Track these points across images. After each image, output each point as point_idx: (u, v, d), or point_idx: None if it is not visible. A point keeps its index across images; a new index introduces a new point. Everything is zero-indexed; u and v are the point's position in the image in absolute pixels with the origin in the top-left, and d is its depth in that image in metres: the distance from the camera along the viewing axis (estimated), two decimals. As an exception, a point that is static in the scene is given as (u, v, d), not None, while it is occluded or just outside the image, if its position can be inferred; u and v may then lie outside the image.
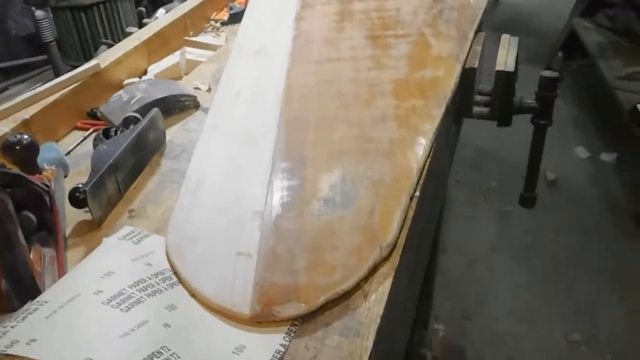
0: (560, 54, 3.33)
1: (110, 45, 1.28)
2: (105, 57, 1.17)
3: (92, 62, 1.12)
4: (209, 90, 1.04)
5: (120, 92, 0.95)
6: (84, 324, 0.51)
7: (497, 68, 1.05)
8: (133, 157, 0.79)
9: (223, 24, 1.49)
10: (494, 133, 2.67)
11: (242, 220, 0.69)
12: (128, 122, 0.86)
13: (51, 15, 1.64)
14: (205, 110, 0.96)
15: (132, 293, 0.56)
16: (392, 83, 0.95)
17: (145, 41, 1.26)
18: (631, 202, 2.51)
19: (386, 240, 0.64)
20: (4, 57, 2.68)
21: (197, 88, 1.04)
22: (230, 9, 1.54)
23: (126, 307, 0.53)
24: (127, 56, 1.21)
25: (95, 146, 0.80)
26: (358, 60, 1.04)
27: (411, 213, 0.70)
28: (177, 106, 0.95)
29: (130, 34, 1.36)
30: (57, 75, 1.72)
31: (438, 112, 0.87)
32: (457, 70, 0.99)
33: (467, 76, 1.05)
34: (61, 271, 0.65)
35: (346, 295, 0.59)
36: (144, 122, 0.82)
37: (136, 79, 1.19)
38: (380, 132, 0.83)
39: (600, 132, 2.96)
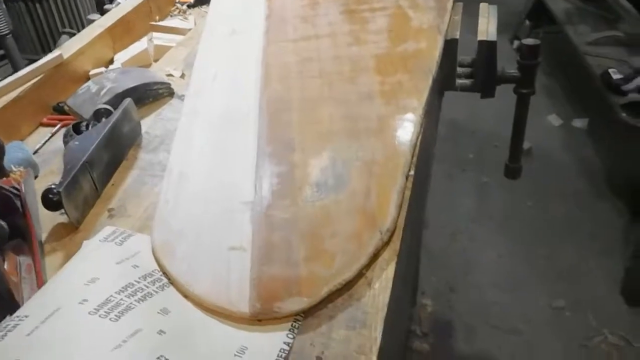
0: (527, 22, 3.34)
1: (71, 35, 1.21)
2: (68, 48, 1.10)
3: (55, 53, 1.05)
4: (182, 76, 0.99)
5: (89, 83, 0.89)
6: (70, 339, 0.46)
7: (479, 37, 1.03)
8: (108, 152, 0.73)
9: (190, 6, 1.42)
10: (465, 105, 2.69)
11: (232, 211, 0.65)
12: (99, 115, 0.80)
13: (4, 7, 1.54)
14: (181, 98, 0.91)
15: (121, 300, 0.51)
16: (374, 58, 0.92)
17: (109, 28, 1.19)
18: (604, 165, 2.55)
19: (386, 224, 0.61)
20: None
21: (169, 75, 0.99)
22: (195, -9, 1.46)
23: (115, 315, 0.49)
24: (90, 45, 1.14)
25: (65, 143, 0.75)
26: (337, 36, 1.00)
27: (408, 193, 0.67)
28: (150, 95, 0.90)
29: (92, 21, 1.28)
30: (15, 69, 1.62)
31: (425, 86, 0.84)
32: (439, 42, 0.96)
33: (449, 48, 1.02)
34: (40, 280, 0.60)
35: (349, 285, 0.56)
36: (116, 114, 0.76)
37: (102, 69, 1.12)
38: (367, 109, 0.80)
39: (570, 99, 2.99)
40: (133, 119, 0.80)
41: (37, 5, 2.08)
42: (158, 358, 0.46)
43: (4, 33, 1.55)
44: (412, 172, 0.70)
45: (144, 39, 1.20)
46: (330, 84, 0.86)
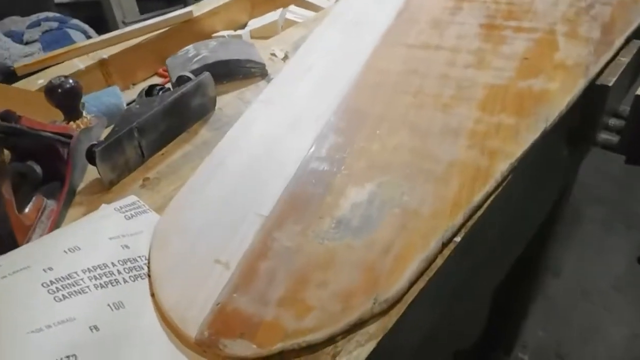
0: None
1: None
2: (202, 5, 1.13)
3: (186, 9, 1.09)
4: (284, 58, 0.95)
5: (190, 46, 0.89)
6: (9, 305, 0.47)
7: (638, 92, 0.81)
8: (166, 121, 0.73)
9: (340, -17, 1.36)
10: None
11: (242, 221, 0.60)
12: (181, 81, 0.80)
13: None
14: (270, 81, 0.87)
15: (81, 279, 0.50)
16: (487, 88, 0.77)
17: (250, -7, 1.20)
18: None
19: (385, 294, 0.51)
20: None
21: (273, 54, 0.95)
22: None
23: (63, 295, 0.48)
24: (225, 7, 1.16)
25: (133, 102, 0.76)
26: (459, 52, 0.87)
27: (439, 262, 0.56)
28: (241, 72, 0.87)
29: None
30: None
31: (529, 137, 0.68)
32: (578, 85, 0.77)
33: (596, 95, 0.82)
34: (51, 227, 0.62)
35: (312, 349, 0.49)
36: (187, 86, 0.75)
37: (230, 32, 1.13)
38: (443, 148, 0.68)
39: None
40: (207, 93, 0.79)
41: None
42: (67, 357, 0.44)
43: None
44: (457, 239, 0.58)
45: (279, 11, 1.19)
46: (420, 106, 0.75)
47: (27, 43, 2.18)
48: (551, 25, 0.91)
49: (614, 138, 0.88)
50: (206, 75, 0.78)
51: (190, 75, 0.80)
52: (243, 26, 1.19)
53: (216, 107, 0.82)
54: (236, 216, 0.61)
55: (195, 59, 0.85)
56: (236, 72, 0.87)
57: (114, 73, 0.99)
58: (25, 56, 2.07)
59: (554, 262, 2.07)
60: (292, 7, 1.19)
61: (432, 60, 0.85)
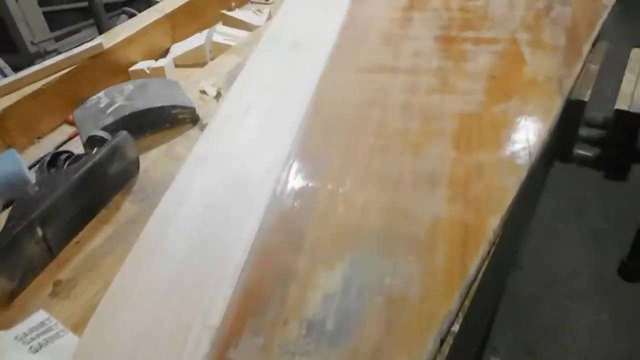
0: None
1: (131, 15, 1.07)
2: (114, 34, 0.97)
3: (95, 42, 0.92)
4: (217, 96, 0.81)
5: (101, 93, 0.74)
6: None
7: (617, 105, 0.73)
8: (77, 201, 0.58)
9: (271, -6, 1.23)
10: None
11: (185, 338, 0.47)
12: (93, 142, 0.65)
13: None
14: (204, 128, 0.73)
15: None
16: (456, 118, 0.67)
17: (170, 14, 1.04)
18: None
19: None
20: None
21: (203, 92, 0.81)
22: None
23: None
24: (142, 34, 1.00)
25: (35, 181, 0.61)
26: (419, 73, 0.76)
27: (440, 363, 0.45)
28: (167, 120, 0.73)
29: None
30: (100, 31, 1.56)
31: (515, 181, 0.59)
32: (556, 105, 0.68)
33: (572, 111, 0.74)
34: None
35: None
36: (101, 152, 0.61)
37: (150, 62, 0.98)
38: (422, 202, 0.57)
39: None
40: (126, 156, 0.64)
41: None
42: None
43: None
44: (455, 328, 0.47)
45: (205, 32, 1.04)
46: (386, 148, 0.64)
47: None
48: (512, 33, 0.82)
49: (590, 153, 0.81)
50: (123, 135, 0.64)
51: (104, 135, 0.65)
52: (165, 53, 1.04)
53: (140, 170, 0.67)
54: (178, 330, 0.47)
55: (109, 110, 0.70)
56: (161, 121, 0.72)
57: (12, 129, 0.82)
58: None
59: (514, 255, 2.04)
60: (219, 27, 1.04)
61: (390, 86, 0.74)
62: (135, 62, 0.99)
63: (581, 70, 0.76)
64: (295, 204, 0.58)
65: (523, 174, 0.59)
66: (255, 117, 0.71)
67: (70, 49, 0.91)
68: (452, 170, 0.60)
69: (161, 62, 0.97)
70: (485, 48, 0.79)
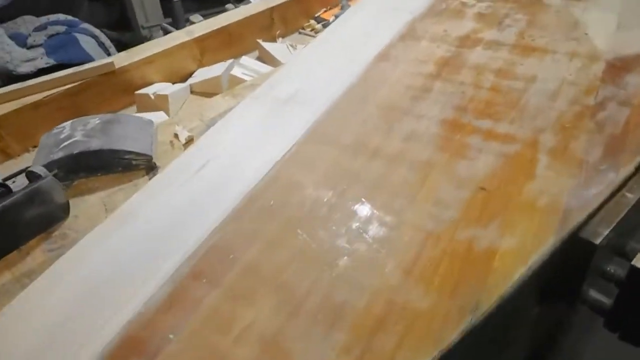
0: None
1: (166, 32, 1.06)
2: (137, 52, 0.96)
3: (108, 60, 0.92)
4: (187, 143, 0.75)
5: (67, 123, 0.72)
6: None
7: (636, 261, 0.56)
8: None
9: (325, 26, 1.15)
10: None
11: None
12: (31, 177, 0.63)
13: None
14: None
15: None
16: (408, 238, 0.55)
17: (200, 38, 1.01)
18: None
19: None
20: None
21: (176, 136, 0.76)
22: (342, 8, 1.18)
23: None
24: (165, 55, 0.98)
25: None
26: (399, 164, 0.64)
27: None
28: (120, 164, 0.69)
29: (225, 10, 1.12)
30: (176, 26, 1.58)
31: (445, 338, 0.46)
32: (545, 247, 0.54)
33: (578, 252, 0.58)
34: None
35: None
36: (16, 195, 0.58)
37: (163, 86, 0.96)
38: (309, 346, 0.47)
39: None
40: (50, 201, 0.61)
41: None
42: None
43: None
44: None
45: (226, 63, 0.99)
46: (301, 272, 0.54)
47: (30, 47, 2.09)
48: (537, 132, 0.67)
49: (606, 300, 0.63)
50: (48, 180, 0.60)
51: (42, 172, 0.63)
52: (189, 75, 1.01)
53: (71, 214, 0.64)
54: None
55: (64, 144, 0.67)
56: (112, 165, 0.69)
57: (6, 135, 0.84)
58: (27, 60, 1.99)
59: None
60: (244, 59, 0.99)
61: (358, 176, 0.63)
62: (152, 83, 0.97)
63: (606, 201, 0.59)
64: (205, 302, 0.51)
65: (454, 333, 0.47)
66: (202, 181, 0.65)
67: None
68: (364, 313, 0.49)
69: (175, 87, 0.94)
70: (494, 147, 0.65)
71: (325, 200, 0.60)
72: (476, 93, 0.75)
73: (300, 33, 1.15)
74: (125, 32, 2.55)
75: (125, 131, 0.71)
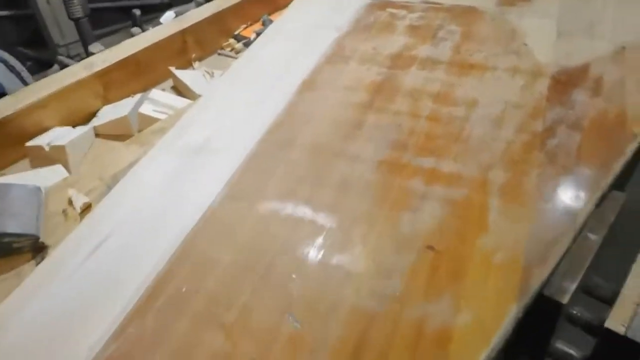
0: None
1: (62, 65, 0.93)
2: (25, 95, 0.82)
3: (-12, 107, 0.78)
4: (84, 212, 0.63)
5: None
6: None
7: (608, 323, 0.49)
8: None
9: (247, 44, 1.04)
10: None
11: None
12: None
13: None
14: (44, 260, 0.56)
15: None
16: (352, 335, 0.46)
17: (102, 72, 0.88)
18: None
19: None
20: None
21: (70, 202, 0.64)
22: (263, 24, 1.08)
23: None
24: (60, 96, 0.84)
25: None
26: (333, 222, 0.55)
27: None
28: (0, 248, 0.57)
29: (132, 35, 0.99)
30: (87, 55, 1.43)
31: None
32: (509, 316, 0.46)
33: (543, 311, 0.51)
34: None
35: None
36: None
37: (60, 132, 0.82)
38: None
39: None
40: None
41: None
42: None
43: (77, 16, 1.36)
44: None
45: (136, 97, 0.87)
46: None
47: None
48: (485, 170, 0.59)
49: (576, 353, 0.57)
50: None
51: None
52: (93, 114, 0.88)
53: None
54: None
55: None
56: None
57: None
58: None
59: None
60: (154, 93, 0.86)
61: (287, 243, 0.54)
62: (49, 128, 0.84)
63: (571, 244, 0.52)
64: None
65: None
66: (93, 268, 0.53)
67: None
68: None
69: (75, 133, 0.81)
70: (438, 192, 0.57)
71: (245, 280, 0.50)
72: (414, 124, 0.67)
73: (219, 54, 1.03)
74: (43, 50, 2.34)
75: (4, 206, 0.59)
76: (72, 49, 2.39)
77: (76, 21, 1.38)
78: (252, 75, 0.79)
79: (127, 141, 0.76)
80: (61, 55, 2.37)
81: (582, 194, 0.56)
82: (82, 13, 1.37)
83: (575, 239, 0.53)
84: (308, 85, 0.75)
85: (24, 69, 2.06)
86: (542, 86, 0.71)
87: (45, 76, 2.21)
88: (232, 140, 0.67)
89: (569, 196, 0.56)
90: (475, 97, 0.70)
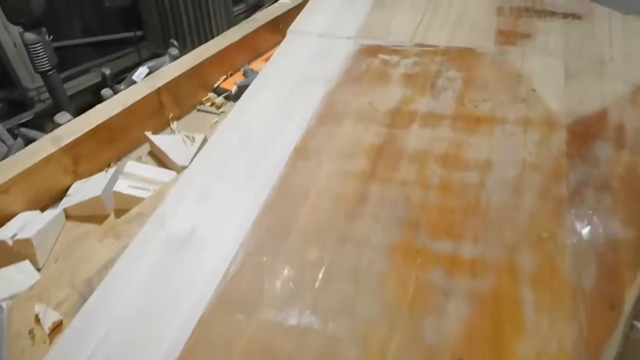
0: None
1: (27, 140, 0.85)
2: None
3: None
4: (53, 331, 0.55)
5: None
6: None
7: None
8: None
9: (228, 97, 0.97)
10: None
11: None
12: None
13: (48, 40, 1.24)
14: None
15: None
16: None
17: (70, 145, 0.80)
18: None
19: None
20: (96, 31, 2.45)
21: (37, 319, 0.55)
22: (244, 74, 1.00)
23: None
24: (24, 176, 0.76)
25: None
26: (343, 333, 0.47)
27: None
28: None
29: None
30: (59, 107, 1.34)
31: None
32: None
33: None
34: None
35: None
36: None
37: (32, 215, 0.74)
38: None
39: None
40: None
41: None
42: None
43: (45, 69, 1.27)
44: None
45: (111, 171, 0.79)
46: None
47: None
48: (510, 252, 0.52)
49: None
50: None
51: None
52: (63, 192, 0.80)
53: None
54: None
55: None
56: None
57: None
58: None
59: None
60: (130, 166, 0.78)
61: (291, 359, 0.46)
62: (13, 214, 0.75)
63: (622, 342, 0.45)
64: None
65: None
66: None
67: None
68: None
69: (43, 219, 0.73)
70: (462, 285, 0.50)
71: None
72: (424, 196, 0.59)
73: (199, 110, 0.96)
74: (14, 89, 2.24)
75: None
76: (43, 93, 2.30)
77: (44, 74, 1.29)
78: (238, 143, 0.72)
79: (102, 230, 0.68)
80: (32, 97, 2.27)
81: (625, 274, 0.49)
82: (50, 65, 1.28)
83: (626, 335, 0.46)
84: (300, 152, 0.68)
85: (4, 131, 1.96)
86: (559, 140, 0.64)
87: (18, 119, 2.08)
88: (221, 229, 0.59)
89: (610, 278, 0.49)
90: (488, 157, 0.63)
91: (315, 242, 0.56)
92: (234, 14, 2.62)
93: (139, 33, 2.33)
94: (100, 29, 2.52)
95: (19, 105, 2.17)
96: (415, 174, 0.62)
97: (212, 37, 2.06)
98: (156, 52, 2.19)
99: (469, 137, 0.66)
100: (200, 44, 1.99)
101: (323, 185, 0.63)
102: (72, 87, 2.26)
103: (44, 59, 1.26)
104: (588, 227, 0.53)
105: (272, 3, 1.38)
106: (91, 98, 2.15)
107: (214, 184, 0.66)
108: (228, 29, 1.60)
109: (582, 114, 0.67)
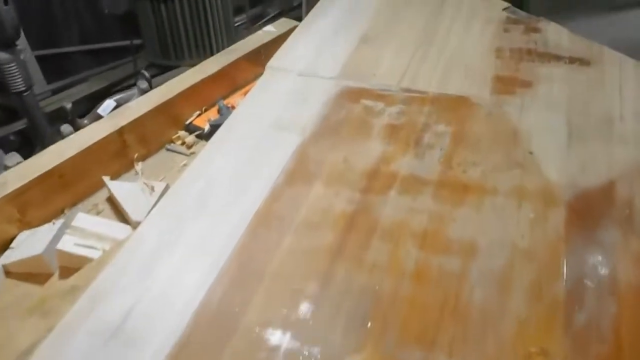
0: None
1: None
2: None
3: None
4: None
5: None
6: None
7: None
8: None
9: (200, 137, 0.89)
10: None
11: None
12: None
13: (22, 59, 1.17)
14: None
15: None
16: None
17: (18, 191, 0.72)
18: None
19: None
20: (95, 38, 2.40)
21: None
22: (219, 111, 0.92)
23: None
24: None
25: None
26: None
27: None
28: None
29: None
30: (34, 129, 1.26)
31: None
32: None
33: None
34: None
35: None
36: None
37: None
38: None
39: None
40: None
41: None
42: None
43: (19, 89, 1.20)
44: None
45: (58, 223, 0.71)
46: None
47: None
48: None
49: None
50: None
51: None
52: (8, 242, 0.72)
53: None
54: None
55: None
56: None
57: None
58: None
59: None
60: (80, 218, 0.70)
61: None
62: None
63: None
64: None
65: None
66: None
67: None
68: None
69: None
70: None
71: None
72: (396, 285, 0.51)
73: (167, 149, 0.88)
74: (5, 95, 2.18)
75: None
76: (40, 101, 2.24)
77: (18, 95, 1.21)
78: (196, 203, 0.64)
79: (30, 305, 0.60)
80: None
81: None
82: (25, 86, 1.21)
83: None
84: (261, 219, 0.60)
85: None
86: (557, 220, 0.55)
87: (12, 129, 2.00)
88: (158, 317, 0.51)
89: None
90: (473, 238, 0.54)
91: (259, 344, 0.48)
92: (235, 24, 2.54)
93: (136, 42, 2.26)
94: (98, 36, 2.47)
95: (14, 112, 2.11)
96: (387, 255, 0.54)
97: (211, 48, 1.95)
98: (152, 62, 2.12)
99: (453, 210, 0.58)
100: (197, 54, 1.90)
101: (280, 264, 0.55)
102: (68, 96, 2.19)
103: (18, 79, 1.19)
104: (587, 342, 0.45)
105: (275, 15, 1.31)
106: (84, 108, 2.08)
107: (159, 254, 0.57)
108: (227, 39, 1.51)
109: (584, 187, 0.59)
